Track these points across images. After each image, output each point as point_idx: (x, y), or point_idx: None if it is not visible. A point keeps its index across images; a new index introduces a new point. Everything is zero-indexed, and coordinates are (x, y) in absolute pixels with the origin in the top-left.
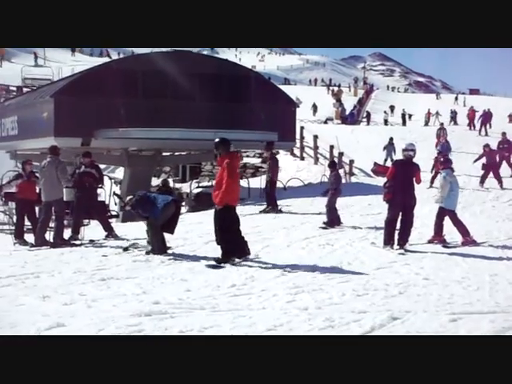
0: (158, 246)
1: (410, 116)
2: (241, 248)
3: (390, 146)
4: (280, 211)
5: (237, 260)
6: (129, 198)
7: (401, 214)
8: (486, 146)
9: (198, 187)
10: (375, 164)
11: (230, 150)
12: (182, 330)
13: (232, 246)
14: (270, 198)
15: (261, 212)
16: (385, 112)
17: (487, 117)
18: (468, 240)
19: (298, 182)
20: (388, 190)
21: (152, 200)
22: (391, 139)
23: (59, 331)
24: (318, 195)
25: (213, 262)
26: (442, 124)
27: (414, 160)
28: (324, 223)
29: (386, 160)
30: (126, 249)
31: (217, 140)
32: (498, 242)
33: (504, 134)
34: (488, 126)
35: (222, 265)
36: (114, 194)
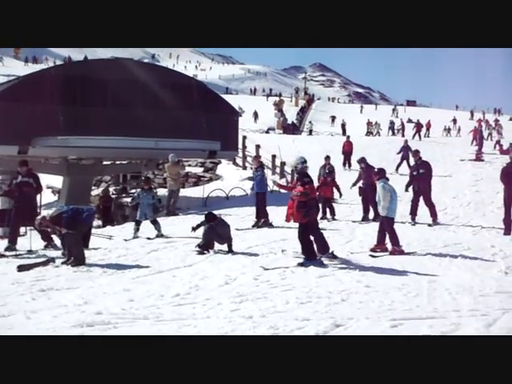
0: (81, 257)
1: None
2: None
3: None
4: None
5: None
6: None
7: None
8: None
9: None
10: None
11: None
12: None
13: None
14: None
15: None
16: (310, 122)
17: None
18: (396, 250)
19: (240, 192)
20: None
21: (77, 213)
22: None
23: None
24: None
25: None
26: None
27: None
28: (198, 245)
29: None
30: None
31: None
32: (435, 250)
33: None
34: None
35: None
36: None
